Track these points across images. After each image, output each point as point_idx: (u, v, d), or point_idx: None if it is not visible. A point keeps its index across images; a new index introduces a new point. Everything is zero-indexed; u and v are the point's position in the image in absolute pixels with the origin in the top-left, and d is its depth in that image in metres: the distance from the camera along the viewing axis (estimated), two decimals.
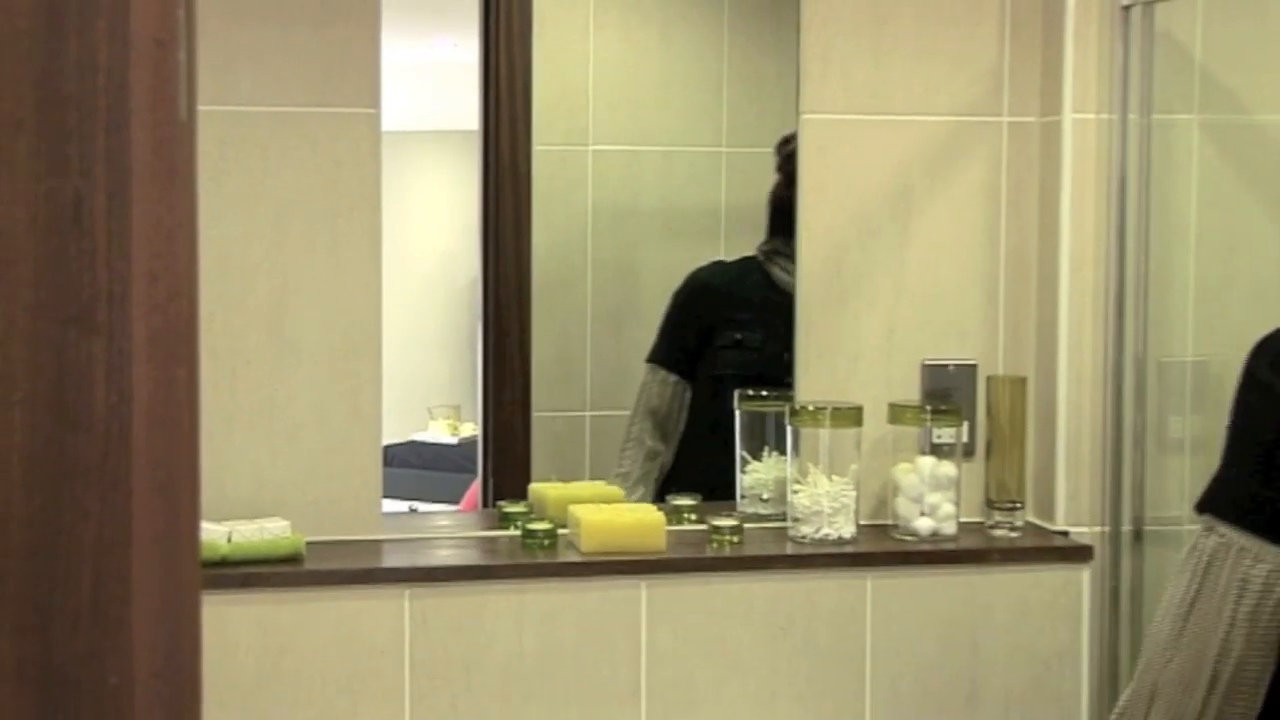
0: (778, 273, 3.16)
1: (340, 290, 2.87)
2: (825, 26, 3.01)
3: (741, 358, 3.21)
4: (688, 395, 3.26)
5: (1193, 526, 3.03)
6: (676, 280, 3.23)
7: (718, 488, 3.12)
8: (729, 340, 3.26)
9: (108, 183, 1.06)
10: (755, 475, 3.08)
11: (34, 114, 1.04)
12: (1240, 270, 3.08)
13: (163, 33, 1.08)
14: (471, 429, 3.20)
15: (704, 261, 3.25)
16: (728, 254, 3.26)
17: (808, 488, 2.98)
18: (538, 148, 3.09)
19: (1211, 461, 3.05)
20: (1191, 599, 2.08)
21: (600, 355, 3.20)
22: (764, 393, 3.07)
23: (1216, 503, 2.11)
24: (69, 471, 1.08)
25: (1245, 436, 2.13)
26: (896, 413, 3.03)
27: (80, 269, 1.07)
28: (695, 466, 3.21)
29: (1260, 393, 2.10)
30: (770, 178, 3.11)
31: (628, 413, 3.28)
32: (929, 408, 3.03)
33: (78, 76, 1.04)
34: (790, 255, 3.06)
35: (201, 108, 1.18)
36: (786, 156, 3.08)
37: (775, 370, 3.09)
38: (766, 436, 3.08)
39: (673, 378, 3.26)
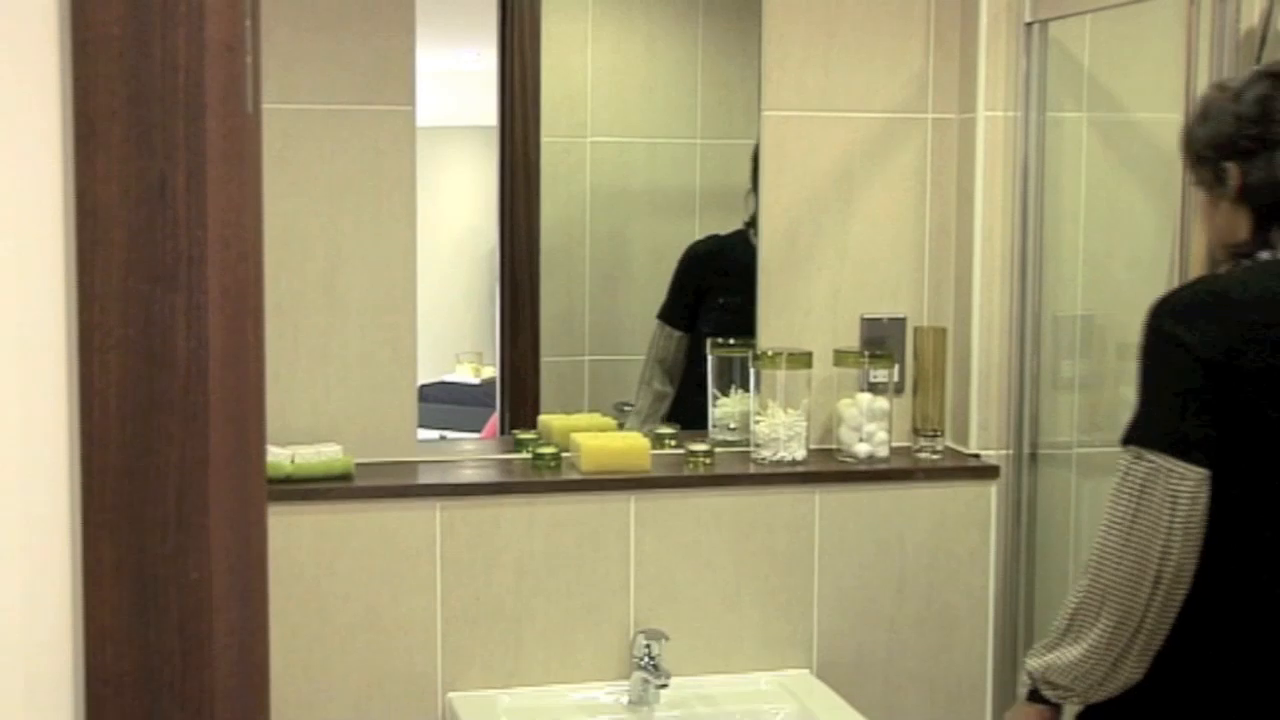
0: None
1: (382, 257, 2.87)
2: (782, 39, 3.00)
3: (724, 316, 3.20)
4: (686, 345, 3.25)
5: (1082, 450, 3.06)
6: (661, 249, 3.21)
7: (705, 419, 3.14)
8: (715, 301, 3.25)
9: (187, 164, 1.06)
10: (724, 408, 3.08)
11: (125, 106, 1.04)
12: (1119, 240, 3.08)
13: (232, 39, 1.08)
14: (491, 371, 3.19)
15: (698, 235, 3.24)
16: (702, 227, 3.24)
17: (767, 418, 3.00)
18: (545, 140, 3.08)
19: (1095, 398, 3.08)
20: (1132, 515, 2.11)
21: (597, 310, 3.19)
22: (731, 341, 3.07)
23: (1143, 436, 2.12)
24: (156, 404, 1.08)
25: (1162, 381, 2.15)
26: (840, 357, 3.05)
27: (164, 236, 1.07)
28: (692, 403, 3.19)
29: (1170, 344, 2.12)
30: (737, 164, 3.10)
31: (622, 358, 3.27)
32: (866, 353, 3.04)
33: (161, 75, 1.05)
34: None
35: (266, 105, 1.19)
36: None
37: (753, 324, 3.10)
38: (733, 377, 3.08)
39: (676, 332, 3.24)
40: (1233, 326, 2.11)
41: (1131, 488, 2.11)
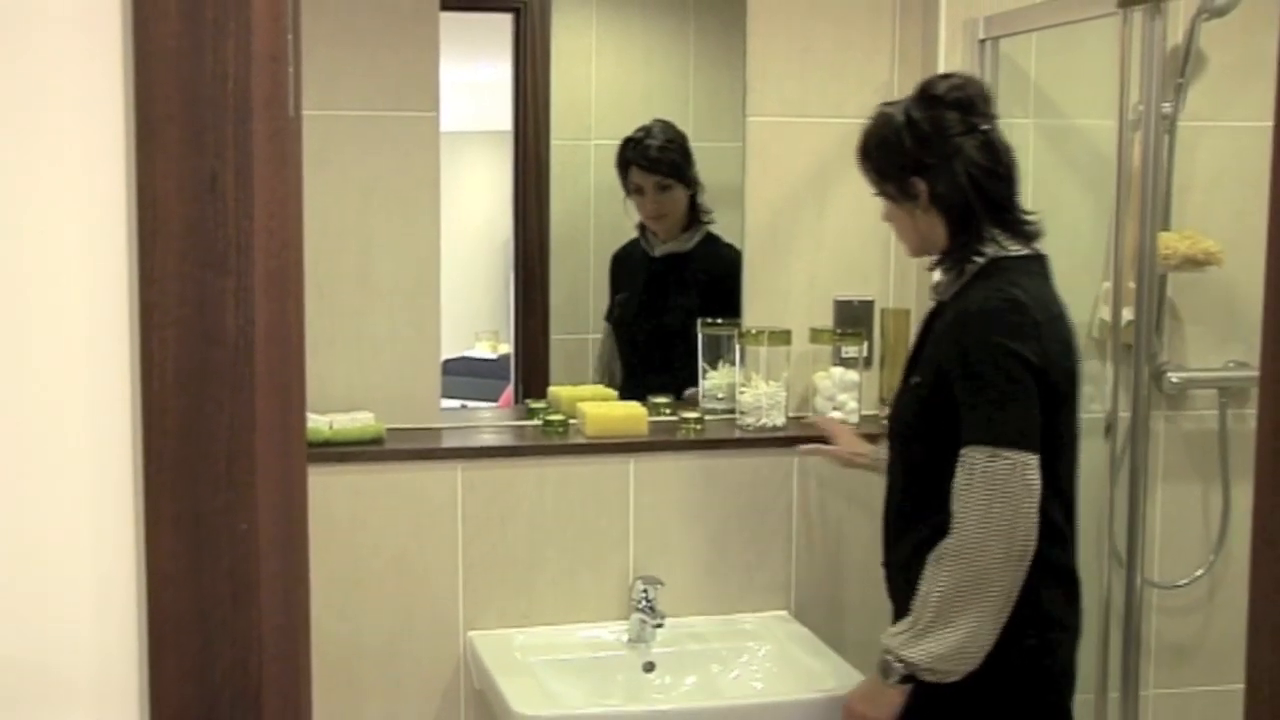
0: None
1: (409, 246, 2.87)
2: (764, 54, 3.00)
3: (624, 310, 3.25)
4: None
5: None
6: None
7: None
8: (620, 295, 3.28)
9: (235, 163, 1.07)
10: (713, 380, 3.08)
11: (181, 111, 1.04)
12: (1060, 231, 3.07)
13: (276, 51, 1.08)
14: (506, 347, 3.19)
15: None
16: None
17: (751, 389, 3.00)
18: (554, 142, 3.07)
19: None
20: (988, 505, 2.18)
21: (600, 293, 3.19)
22: (719, 320, 3.07)
23: (999, 436, 2.19)
24: (208, 375, 1.08)
25: (1005, 388, 2.21)
26: (815, 335, 3.04)
27: (215, 226, 1.07)
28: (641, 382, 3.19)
29: (1008, 357, 2.21)
30: (725, 165, 3.10)
31: None
32: (839, 331, 3.04)
33: (212, 83, 1.05)
34: None
35: (307, 111, 1.19)
36: None
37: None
38: (721, 352, 3.08)
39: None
40: (1042, 337, 2.24)
41: (988, 482, 2.18)
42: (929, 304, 3.04)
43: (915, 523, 2.35)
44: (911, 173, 2.33)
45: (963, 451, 2.21)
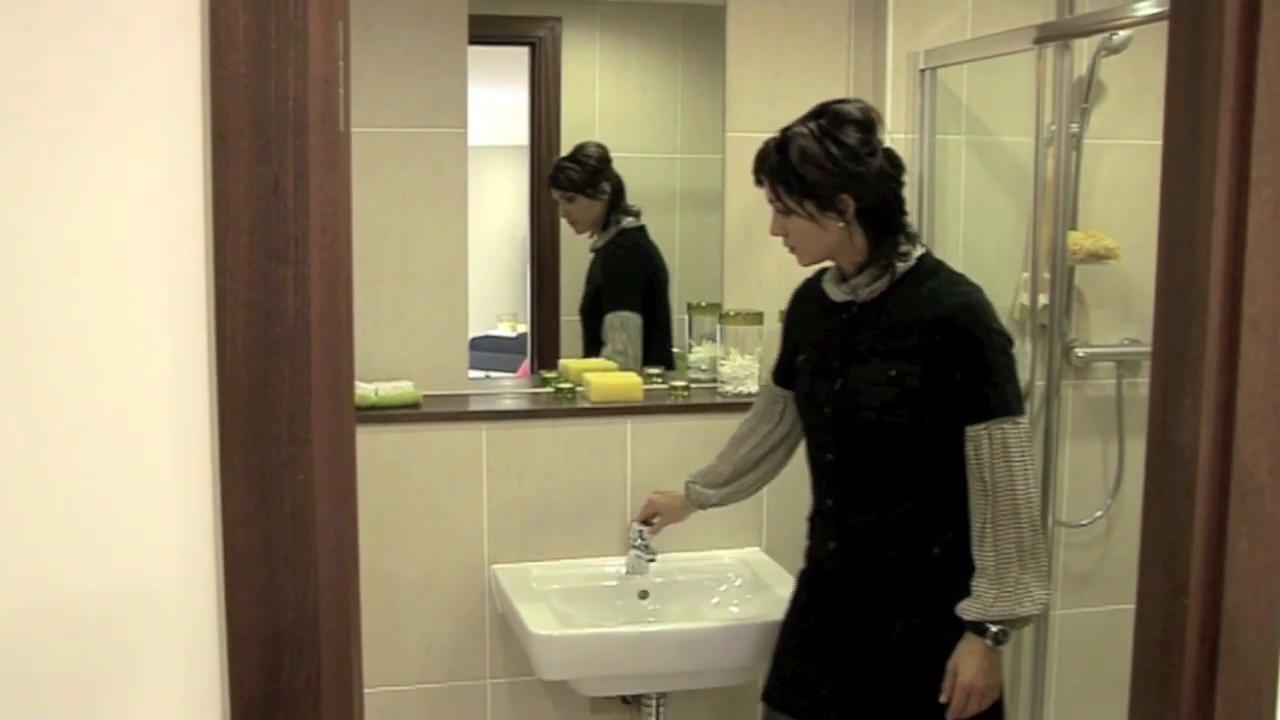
0: None
1: (442, 241, 2.86)
2: (741, 80, 2.99)
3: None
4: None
5: None
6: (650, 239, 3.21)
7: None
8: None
9: (295, 170, 1.06)
10: (697, 354, 3.06)
11: (249, 127, 1.04)
12: (988, 231, 3.08)
13: (329, 75, 1.08)
14: (524, 327, 3.18)
15: (678, 228, 3.21)
16: (681, 221, 3.22)
17: (730, 362, 3.00)
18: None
19: None
20: (1024, 466, 2.12)
21: None
22: (703, 303, 3.07)
23: (1015, 407, 2.14)
24: (271, 349, 1.08)
25: (1012, 368, 2.17)
26: (783, 316, 3.03)
27: (277, 223, 1.07)
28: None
29: (1004, 339, 2.18)
30: (708, 174, 3.09)
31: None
32: None
33: (276, 103, 1.04)
34: None
35: (356, 128, 1.18)
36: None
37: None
38: (705, 330, 3.08)
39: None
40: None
41: (1021, 447, 2.13)
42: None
43: (900, 495, 2.22)
44: (840, 190, 2.18)
45: (988, 425, 2.12)
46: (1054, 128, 2.73)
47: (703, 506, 2.61)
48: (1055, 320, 2.77)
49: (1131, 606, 1.31)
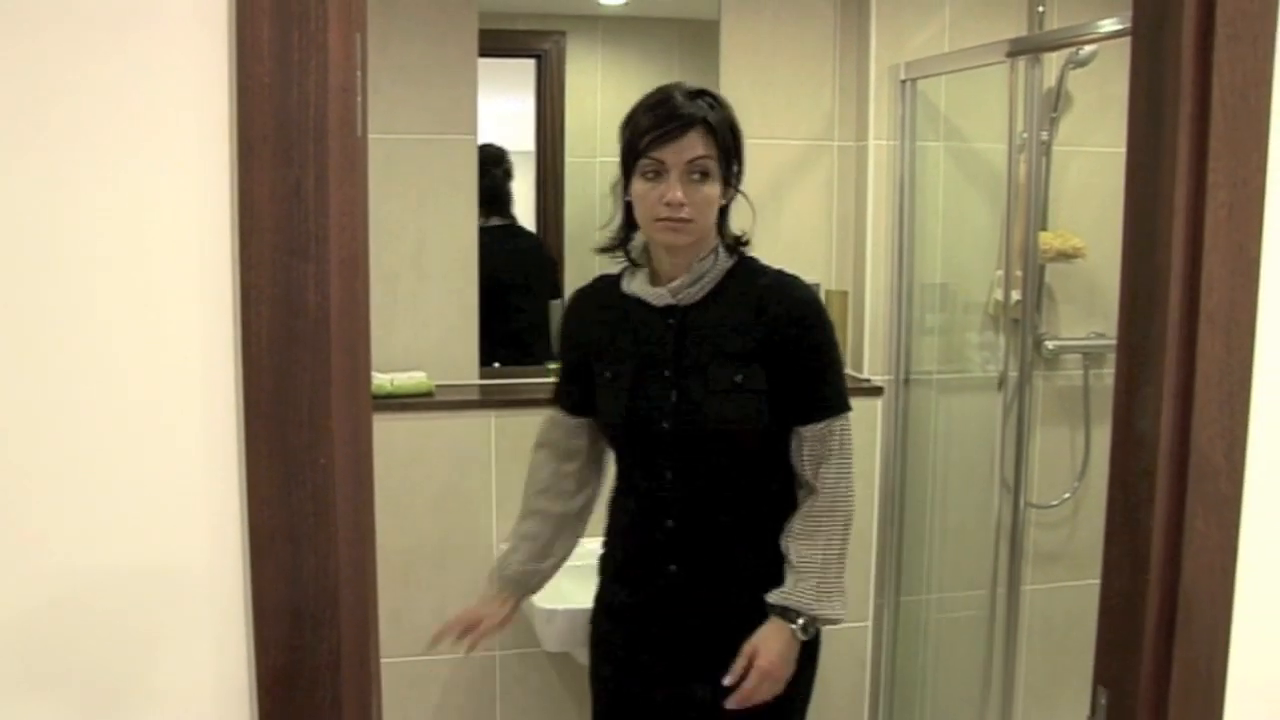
0: None
1: (452, 240, 2.86)
2: (734, 88, 2.98)
3: None
4: None
5: (939, 377, 3.07)
6: None
7: None
8: None
9: (315, 173, 1.06)
10: None
11: (273, 132, 1.04)
12: (964, 231, 3.08)
13: (347, 84, 1.08)
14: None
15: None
16: None
17: None
18: (568, 160, 3.06)
19: (947, 340, 3.08)
20: (850, 464, 1.93)
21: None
22: None
23: (848, 404, 1.94)
24: (293, 341, 1.08)
25: (839, 359, 1.98)
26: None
27: (299, 222, 1.06)
28: None
29: (836, 334, 1.97)
30: None
31: None
32: None
33: (298, 110, 1.04)
34: None
35: (373, 135, 1.18)
36: None
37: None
38: None
39: None
40: None
41: (848, 444, 1.93)
42: (863, 286, 3.05)
43: (747, 499, 1.95)
44: (738, 159, 1.93)
45: (829, 422, 1.91)
46: (1025, 135, 2.73)
47: (534, 589, 2.13)
48: (1027, 315, 2.77)
49: (1097, 581, 1.32)
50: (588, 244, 3.10)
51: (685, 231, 1.89)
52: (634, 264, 2.01)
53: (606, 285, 2.04)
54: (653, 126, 1.87)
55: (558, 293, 3.03)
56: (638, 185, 1.91)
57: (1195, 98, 1.18)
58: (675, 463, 1.94)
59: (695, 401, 1.90)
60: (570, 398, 2.11)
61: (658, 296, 1.94)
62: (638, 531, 2.01)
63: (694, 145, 1.85)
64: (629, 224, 1.99)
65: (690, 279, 1.93)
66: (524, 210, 3.11)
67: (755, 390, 1.88)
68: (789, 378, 1.90)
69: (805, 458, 1.94)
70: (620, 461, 2.06)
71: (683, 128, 1.85)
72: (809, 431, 1.93)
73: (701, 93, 1.91)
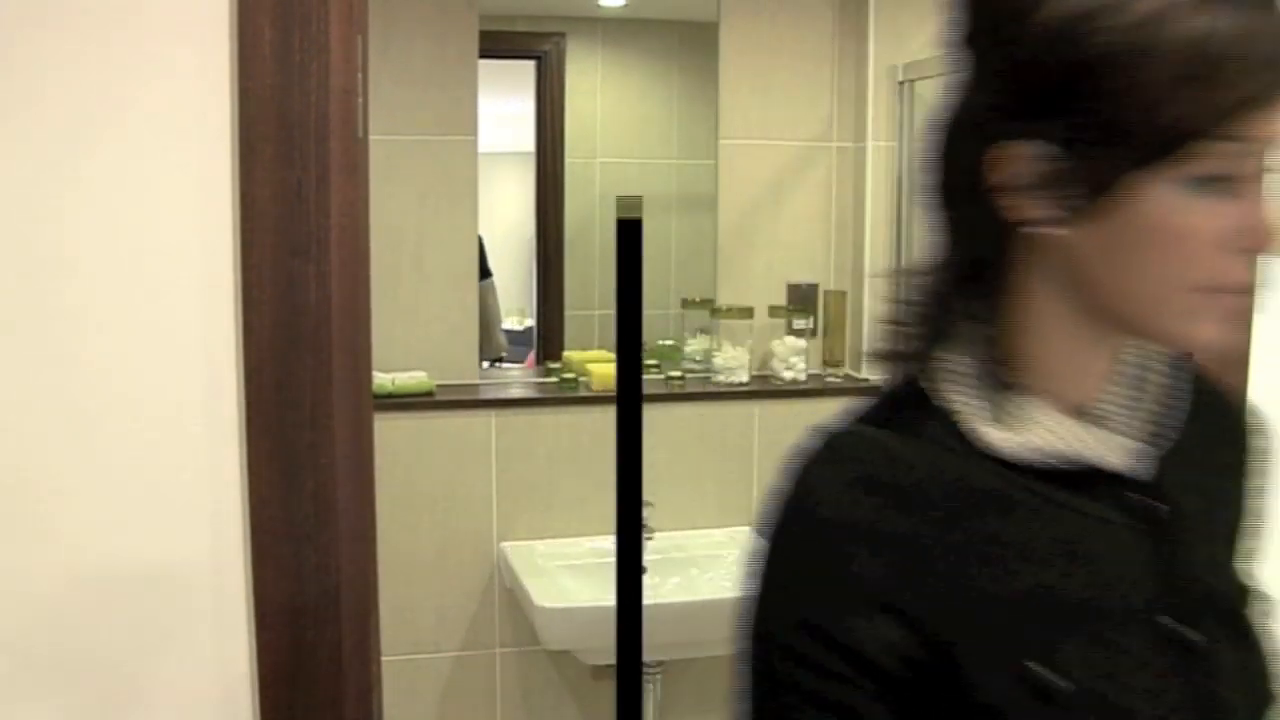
0: None
1: (453, 242, 2.86)
2: (733, 90, 2.98)
3: None
4: None
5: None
6: (648, 237, 3.14)
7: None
8: None
9: (316, 174, 1.06)
10: (692, 346, 3.07)
11: (275, 133, 1.04)
12: None
13: (349, 86, 1.08)
14: (530, 321, 3.17)
15: (674, 229, 3.16)
16: (676, 222, 3.22)
17: (722, 353, 2.99)
18: (568, 161, 3.05)
19: None
20: None
21: (604, 279, 3.17)
22: (697, 299, 3.06)
23: None
24: (294, 340, 1.08)
25: None
26: (773, 310, 3.03)
27: (300, 223, 1.07)
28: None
29: None
30: (703, 178, 3.08)
31: None
32: (791, 308, 3.03)
33: (299, 112, 1.04)
34: None
35: (374, 136, 1.18)
36: None
37: None
38: (699, 324, 3.07)
39: None
40: None
41: None
42: (861, 287, 3.05)
43: None
44: None
45: None
46: None
47: None
48: None
49: None
50: (587, 246, 3.12)
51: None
52: (978, 386, 0.84)
53: (912, 449, 0.84)
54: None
55: (485, 273, 3.01)
56: (1171, 201, 0.76)
57: None
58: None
59: (1246, 655, 0.85)
60: None
61: (1112, 454, 0.84)
62: None
63: None
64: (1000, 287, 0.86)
65: (1151, 405, 0.87)
66: (524, 211, 3.12)
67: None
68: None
69: None
70: None
71: None
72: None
73: None
